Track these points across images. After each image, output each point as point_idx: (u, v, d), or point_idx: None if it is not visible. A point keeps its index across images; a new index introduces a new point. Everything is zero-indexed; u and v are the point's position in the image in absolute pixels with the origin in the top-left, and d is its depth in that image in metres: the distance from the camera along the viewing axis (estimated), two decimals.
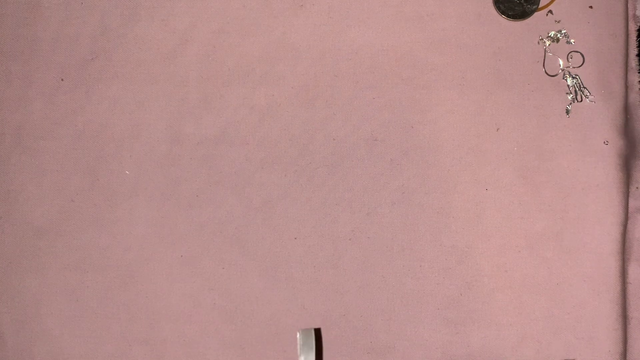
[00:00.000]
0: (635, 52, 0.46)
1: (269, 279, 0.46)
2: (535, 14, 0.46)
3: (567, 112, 0.46)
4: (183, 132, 0.47)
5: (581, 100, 0.46)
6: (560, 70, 0.46)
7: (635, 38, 0.46)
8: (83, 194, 0.48)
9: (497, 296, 0.45)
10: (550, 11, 0.47)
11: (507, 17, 0.46)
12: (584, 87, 0.46)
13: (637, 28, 0.46)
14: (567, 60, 0.46)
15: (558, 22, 0.46)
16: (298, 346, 0.40)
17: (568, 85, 0.46)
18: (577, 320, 0.45)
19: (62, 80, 0.48)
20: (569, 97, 0.46)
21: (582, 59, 0.46)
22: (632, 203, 0.45)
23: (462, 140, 0.46)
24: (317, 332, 0.45)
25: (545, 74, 0.46)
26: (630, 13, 0.46)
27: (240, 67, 0.48)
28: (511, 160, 0.46)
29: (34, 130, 0.48)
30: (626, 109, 0.46)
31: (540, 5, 0.47)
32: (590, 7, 0.46)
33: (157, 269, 0.47)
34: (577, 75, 0.46)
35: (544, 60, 0.46)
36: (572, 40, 0.46)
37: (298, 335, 0.41)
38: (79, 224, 0.47)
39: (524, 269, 0.45)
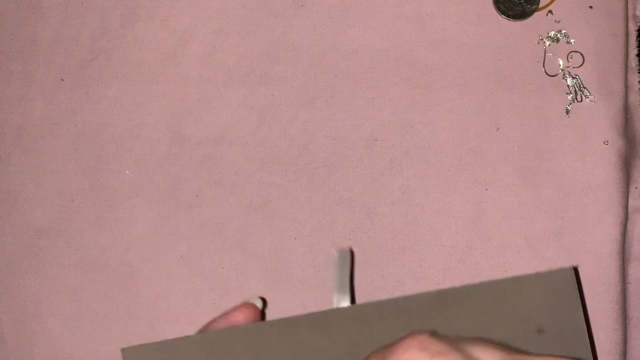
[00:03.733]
0: (635, 52, 0.46)
1: (269, 279, 0.46)
2: (535, 14, 0.47)
3: (567, 112, 0.46)
4: (183, 132, 0.47)
5: (581, 100, 0.46)
6: (560, 70, 0.46)
7: (635, 38, 0.46)
8: (83, 194, 0.48)
9: None
10: (550, 11, 0.47)
11: (507, 17, 0.46)
12: (584, 87, 0.46)
13: (637, 28, 0.46)
14: (567, 60, 0.46)
15: (558, 22, 0.46)
16: (333, 264, 0.39)
17: (568, 85, 0.46)
18: None
19: (62, 80, 0.48)
20: (569, 97, 0.46)
21: (582, 59, 0.46)
22: (632, 203, 0.45)
23: (462, 140, 0.46)
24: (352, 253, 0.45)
25: (545, 74, 0.46)
26: (630, 13, 0.46)
27: (240, 67, 0.48)
28: (511, 160, 0.46)
29: (34, 130, 0.48)
30: (626, 109, 0.46)
31: (540, 5, 0.47)
32: (590, 7, 0.46)
33: (157, 269, 0.47)
34: (577, 75, 0.46)
35: (544, 60, 0.46)
36: (572, 40, 0.46)
37: (335, 253, 0.39)
38: (79, 224, 0.47)
39: (524, 269, 0.45)
